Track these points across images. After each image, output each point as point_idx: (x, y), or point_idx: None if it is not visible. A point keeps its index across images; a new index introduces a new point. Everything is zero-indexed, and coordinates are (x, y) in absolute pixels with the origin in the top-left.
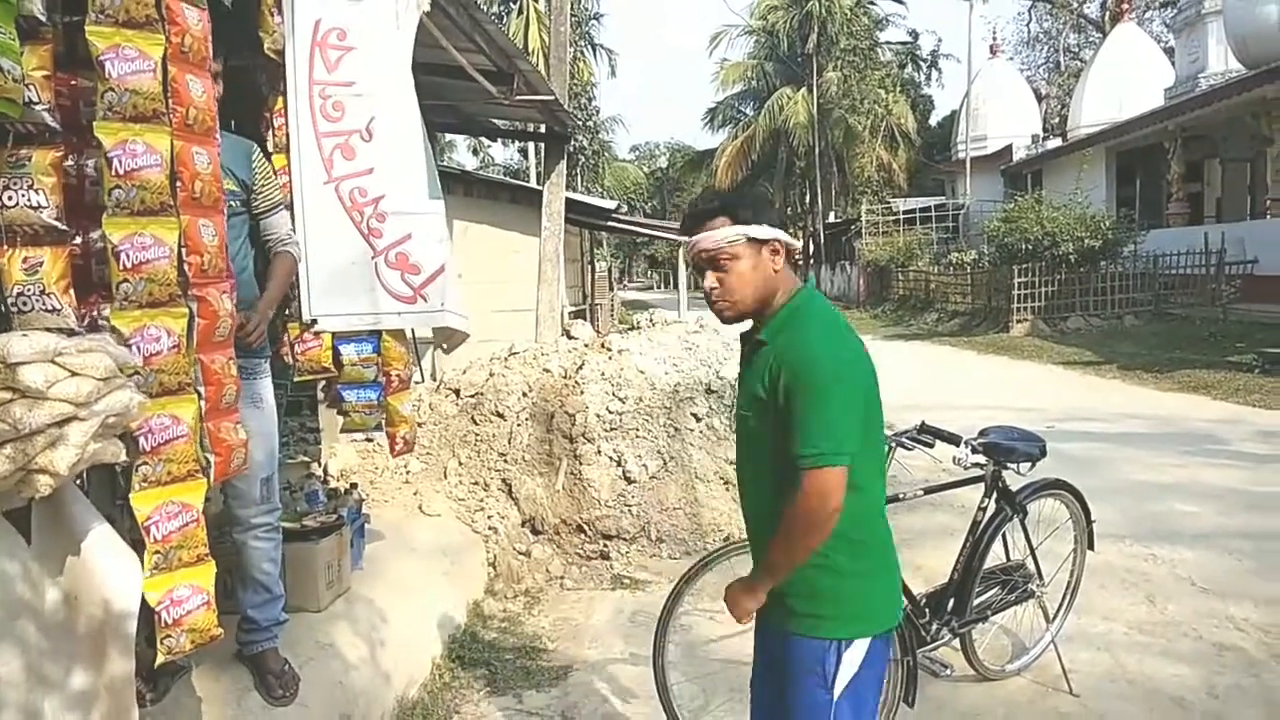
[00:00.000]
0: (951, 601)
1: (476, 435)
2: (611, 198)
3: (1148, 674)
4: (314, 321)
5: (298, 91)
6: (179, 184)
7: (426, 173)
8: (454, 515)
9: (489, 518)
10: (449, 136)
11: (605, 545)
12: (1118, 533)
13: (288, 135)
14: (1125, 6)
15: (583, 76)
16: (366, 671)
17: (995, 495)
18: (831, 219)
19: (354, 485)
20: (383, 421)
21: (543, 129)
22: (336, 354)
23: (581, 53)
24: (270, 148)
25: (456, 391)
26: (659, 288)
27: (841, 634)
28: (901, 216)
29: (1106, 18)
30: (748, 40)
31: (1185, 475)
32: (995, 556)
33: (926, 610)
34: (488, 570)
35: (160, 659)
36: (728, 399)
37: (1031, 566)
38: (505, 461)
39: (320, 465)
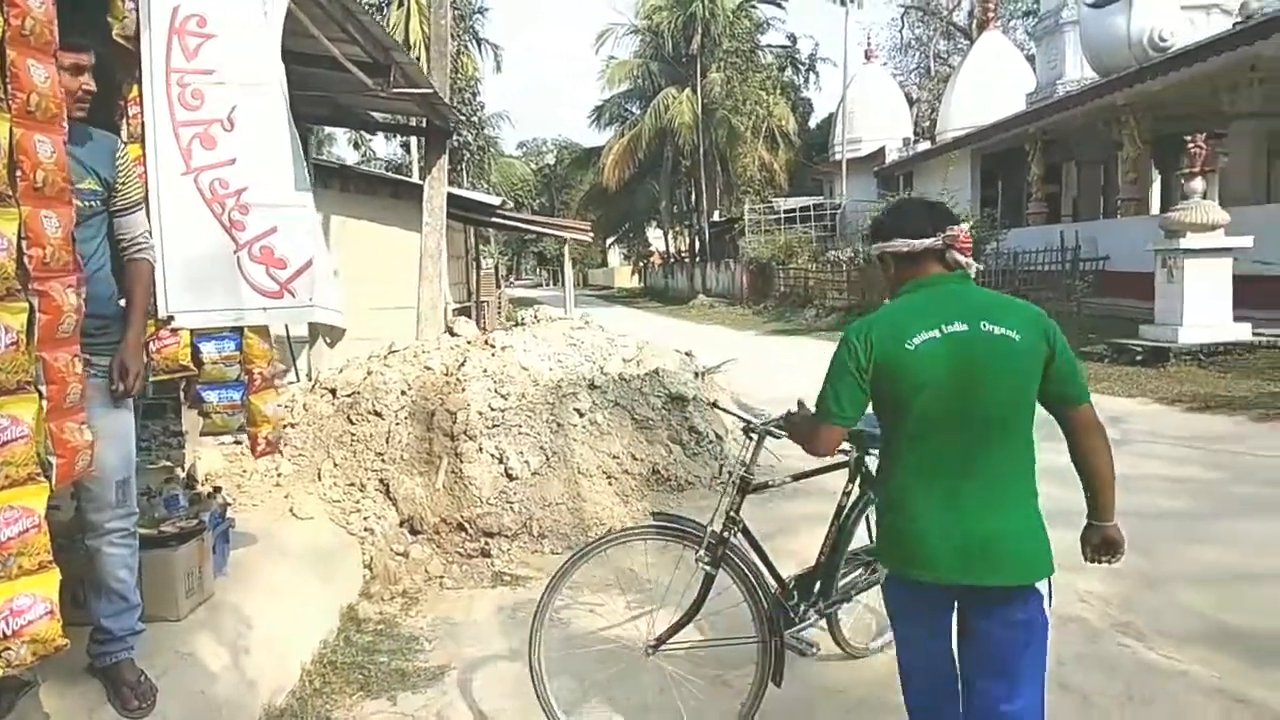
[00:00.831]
0: (818, 584)
1: (353, 435)
2: (498, 194)
3: None
4: (170, 318)
5: (154, 79)
6: (19, 173)
7: (293, 164)
8: (328, 518)
9: (365, 519)
10: (327, 129)
11: (486, 543)
12: None
13: (143, 125)
14: (991, 15)
15: (466, 71)
16: (230, 680)
17: (858, 480)
18: (716, 218)
19: (218, 489)
20: (245, 422)
21: (424, 123)
22: (196, 352)
23: (465, 47)
24: (124, 138)
25: (333, 391)
26: (548, 285)
27: None
28: (782, 215)
29: (974, 25)
30: (634, 39)
31: (1043, 460)
32: (859, 539)
33: (795, 593)
34: (364, 572)
35: (0, 673)
36: (611, 394)
37: None
38: (383, 461)
39: (184, 469)
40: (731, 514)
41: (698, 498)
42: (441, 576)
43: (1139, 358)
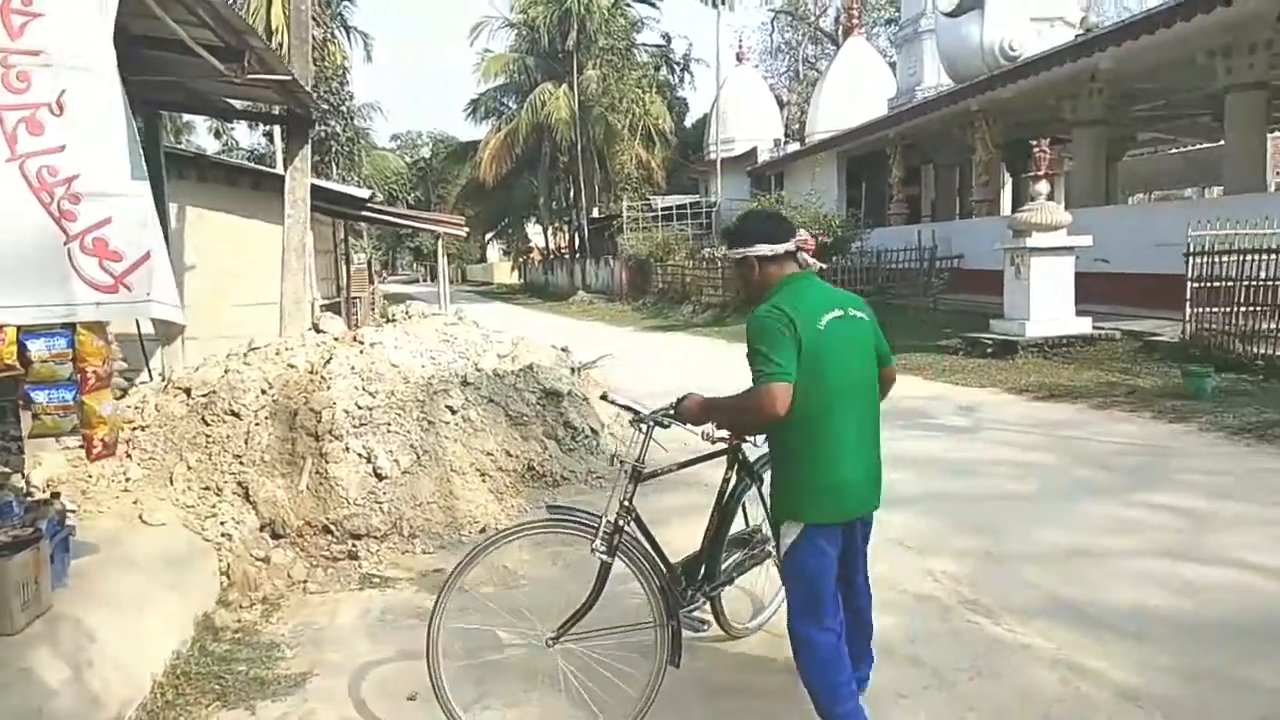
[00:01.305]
0: (704, 568)
1: (208, 437)
2: (370, 187)
3: None
4: None
5: None
6: None
7: (128, 152)
8: (181, 523)
9: (222, 524)
10: (186, 117)
11: (354, 545)
12: None
13: None
14: (855, 22)
15: (335, 60)
16: (71, 695)
17: (736, 467)
18: (595, 214)
19: (56, 495)
20: (78, 424)
21: (287, 112)
22: (23, 350)
23: (333, 35)
24: None
25: (187, 391)
26: (425, 280)
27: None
28: (660, 213)
29: (840, 31)
30: (509, 33)
31: (898, 447)
32: (736, 523)
33: (683, 578)
34: (220, 580)
35: None
36: (485, 390)
37: (767, 530)
38: (241, 463)
39: (22, 476)
40: (625, 503)
41: (574, 492)
42: (305, 581)
43: (990, 351)
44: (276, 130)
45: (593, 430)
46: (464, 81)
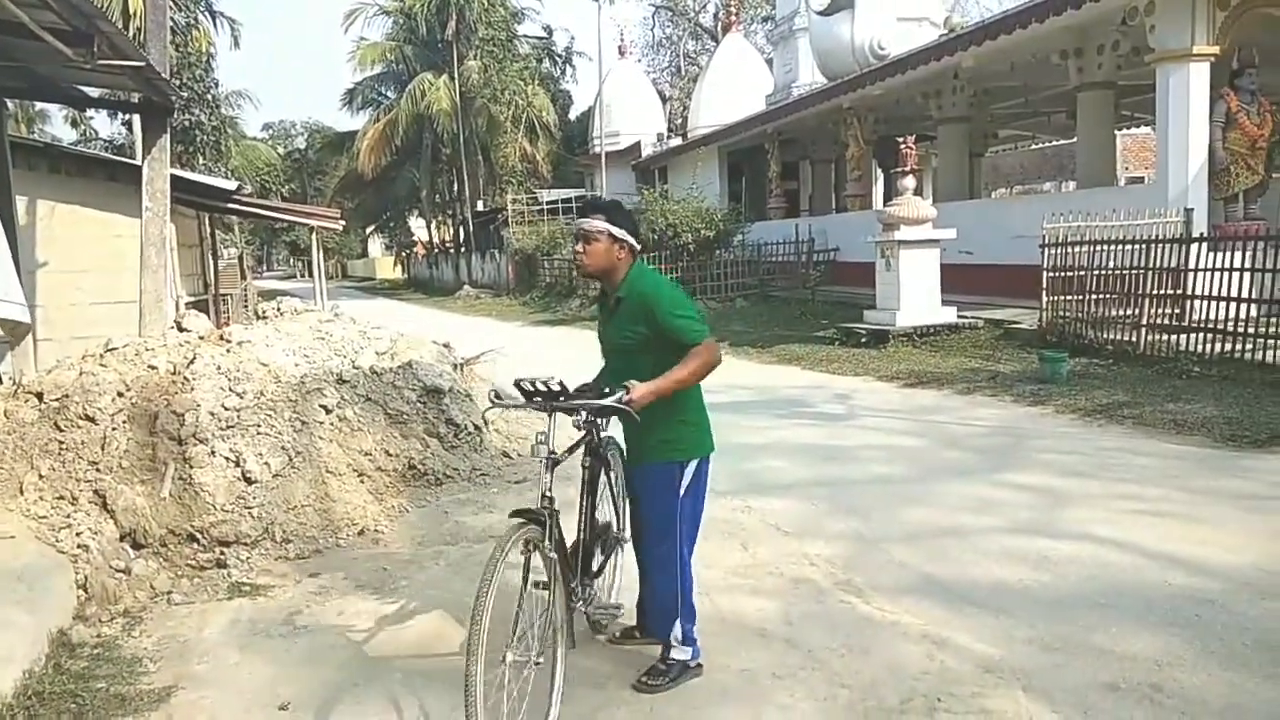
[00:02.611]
0: (581, 559)
1: (62, 443)
2: (239, 179)
3: (738, 611)
4: None
5: None
6: None
7: None
8: (32, 535)
9: (78, 535)
10: (40, 106)
11: (222, 553)
12: (720, 489)
13: None
14: (734, 18)
15: (199, 46)
16: None
17: (593, 452)
18: (480, 208)
19: None
20: None
21: (143, 100)
22: None
23: (197, 20)
24: None
25: (39, 395)
26: (301, 276)
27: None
28: (546, 206)
29: (719, 28)
30: (386, 21)
31: (777, 435)
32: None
33: (577, 571)
34: (77, 594)
35: None
36: (362, 388)
37: (613, 515)
38: (98, 471)
39: None
40: (547, 494)
41: (457, 491)
42: (170, 592)
43: (864, 340)
44: (137, 119)
45: (476, 427)
46: (340, 70)
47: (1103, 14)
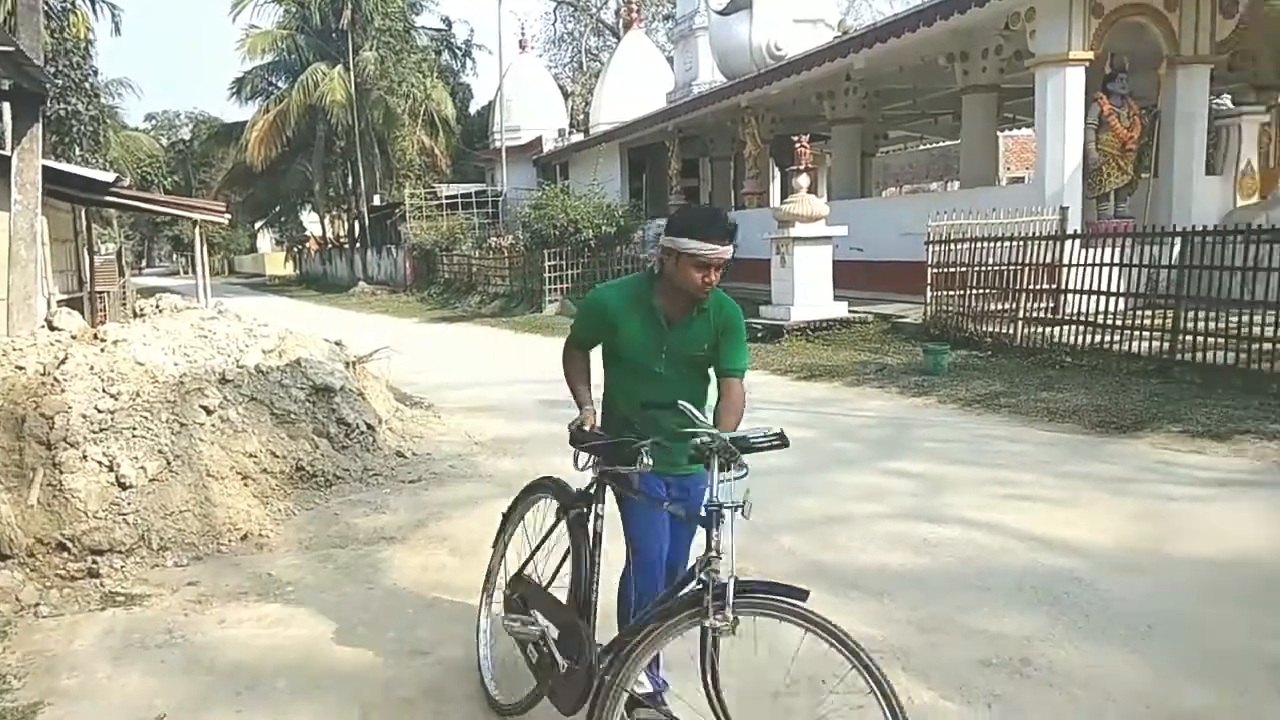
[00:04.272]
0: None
1: None
2: (119, 170)
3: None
4: None
5: None
6: None
7: None
8: None
9: None
10: None
11: (94, 562)
12: None
13: None
14: (635, 15)
15: (77, 32)
16: None
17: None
18: (377, 202)
19: None
20: None
21: (14, 88)
22: None
23: (74, 4)
24: None
25: None
26: (185, 272)
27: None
28: (445, 201)
29: (620, 24)
30: (276, 9)
31: None
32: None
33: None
34: None
35: None
36: (247, 388)
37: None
38: None
39: None
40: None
41: (348, 492)
42: (37, 604)
43: (760, 335)
44: (6, 107)
45: (368, 426)
46: (228, 59)
47: (986, 19)
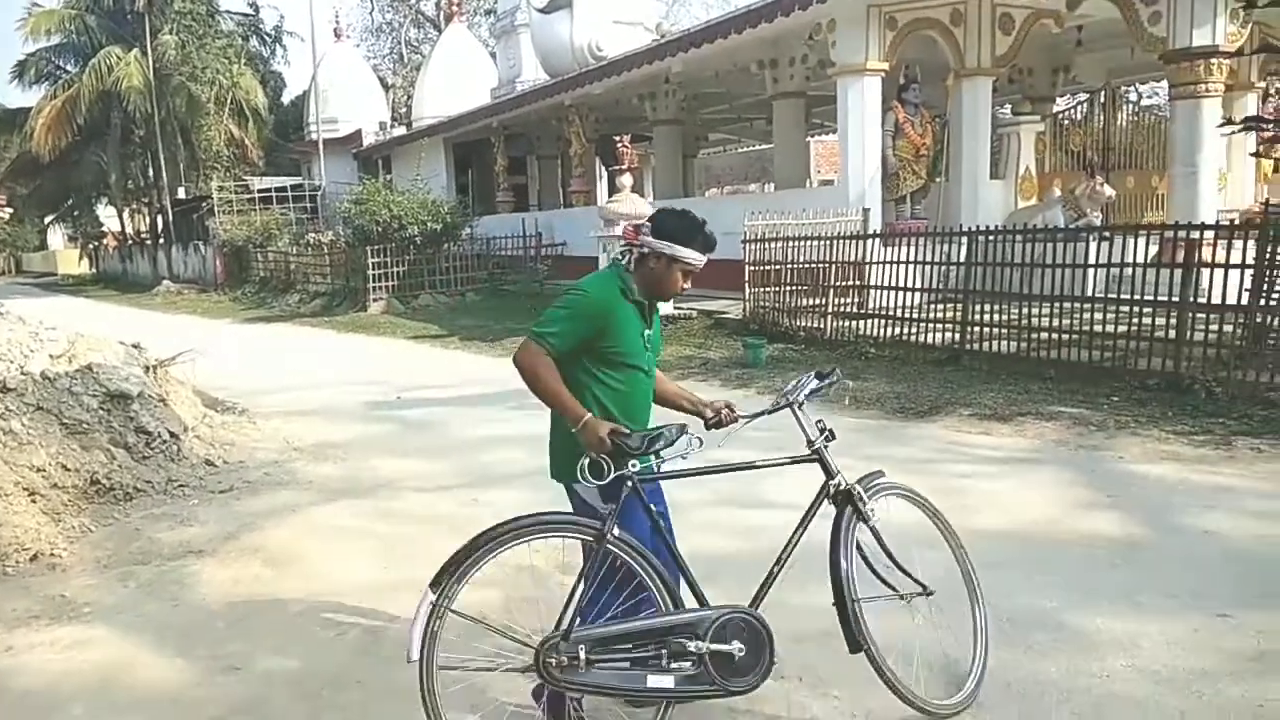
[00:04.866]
0: None
1: None
2: None
3: (463, 606)
4: None
5: None
6: None
7: None
8: None
9: None
10: None
11: None
12: (449, 484)
13: None
14: (456, 9)
15: None
16: None
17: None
18: (181, 195)
19: None
20: None
21: None
22: None
23: None
24: None
25: None
26: None
27: None
28: (258, 195)
29: (441, 17)
30: None
31: (508, 428)
32: None
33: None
34: None
35: None
36: (32, 397)
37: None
38: None
39: None
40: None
41: (150, 505)
42: None
43: None
44: None
45: (171, 434)
46: (7, 40)
47: (792, 29)
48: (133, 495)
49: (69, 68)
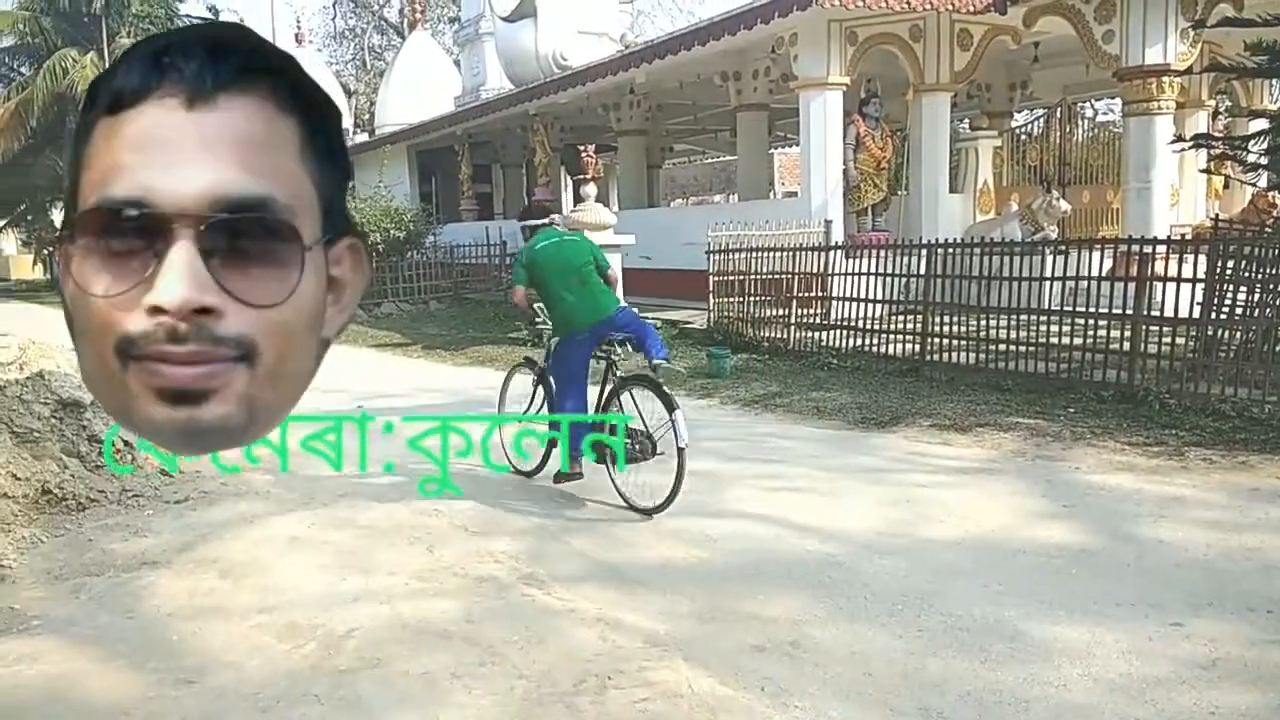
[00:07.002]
0: None
1: None
2: None
3: (421, 616)
4: None
5: None
6: None
7: None
8: None
9: None
10: None
11: None
12: (409, 494)
13: None
14: (419, 16)
15: None
16: None
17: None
18: None
19: None
20: None
21: None
22: None
23: None
24: None
25: None
26: None
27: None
28: None
29: (405, 24)
30: None
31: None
32: None
33: None
34: None
35: None
36: None
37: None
38: None
39: None
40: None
41: (104, 516)
42: None
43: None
44: None
45: (126, 443)
46: None
47: (755, 42)
48: (86, 505)
49: (23, 70)
